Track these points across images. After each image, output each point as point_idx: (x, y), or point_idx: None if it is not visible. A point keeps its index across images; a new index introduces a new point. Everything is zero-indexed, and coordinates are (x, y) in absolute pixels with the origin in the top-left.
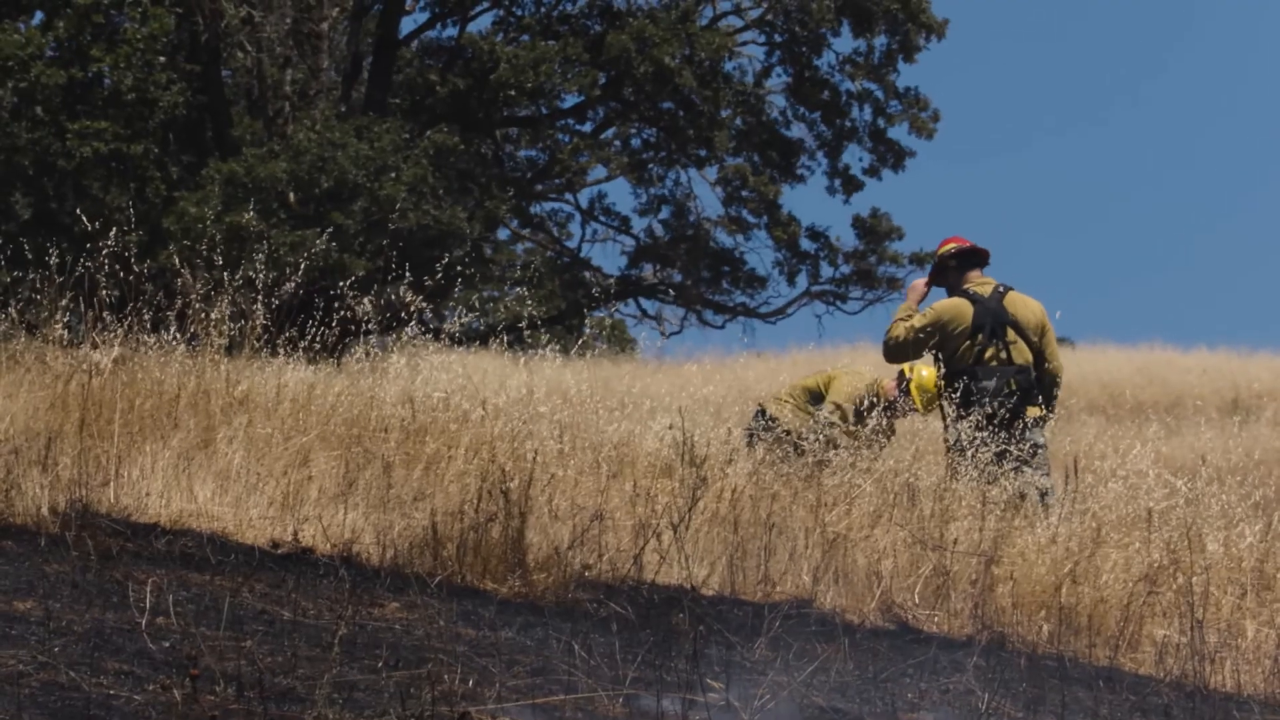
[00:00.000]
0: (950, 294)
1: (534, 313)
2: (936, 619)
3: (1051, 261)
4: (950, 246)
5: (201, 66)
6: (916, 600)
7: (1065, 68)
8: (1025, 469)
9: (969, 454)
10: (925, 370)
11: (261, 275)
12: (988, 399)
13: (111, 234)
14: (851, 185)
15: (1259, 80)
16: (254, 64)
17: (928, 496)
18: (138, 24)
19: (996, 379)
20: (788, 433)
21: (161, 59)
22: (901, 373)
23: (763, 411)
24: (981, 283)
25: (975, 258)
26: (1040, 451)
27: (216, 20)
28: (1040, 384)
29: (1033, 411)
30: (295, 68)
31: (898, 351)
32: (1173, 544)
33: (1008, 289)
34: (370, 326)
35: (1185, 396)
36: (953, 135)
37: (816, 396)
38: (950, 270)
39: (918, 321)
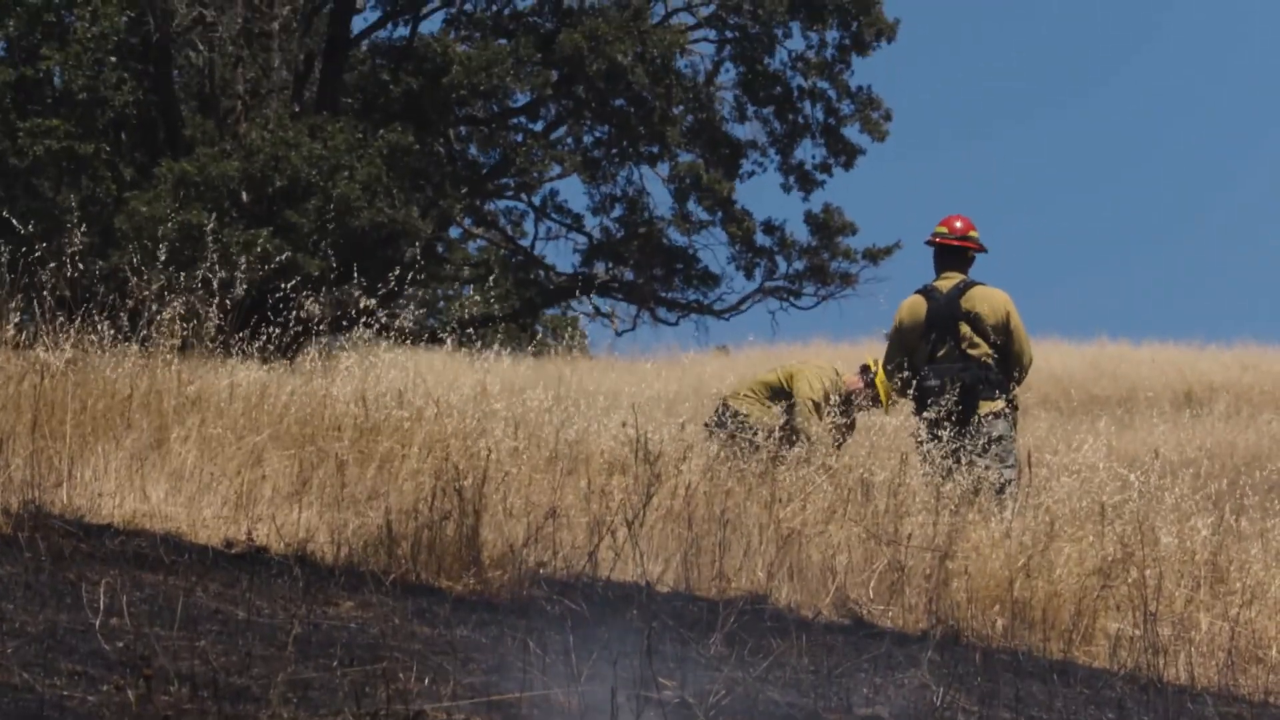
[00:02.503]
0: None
1: (487, 311)
2: (891, 614)
3: (1000, 258)
4: (940, 231)
5: (153, 66)
6: (871, 595)
7: (1015, 68)
8: (978, 462)
9: (922, 452)
10: None
11: (214, 275)
12: (934, 397)
13: (66, 234)
14: (808, 182)
15: (1219, 77)
16: (205, 63)
17: (882, 492)
18: (88, 23)
19: (939, 378)
20: (755, 430)
21: (113, 58)
22: (866, 366)
23: (725, 406)
24: (946, 278)
25: (953, 254)
26: (999, 444)
27: (168, 20)
28: (1002, 377)
29: (986, 406)
30: (247, 67)
31: (891, 386)
32: (1126, 537)
33: (970, 284)
34: (322, 326)
35: (1138, 390)
36: (904, 132)
37: (778, 392)
38: (935, 254)
39: (887, 348)
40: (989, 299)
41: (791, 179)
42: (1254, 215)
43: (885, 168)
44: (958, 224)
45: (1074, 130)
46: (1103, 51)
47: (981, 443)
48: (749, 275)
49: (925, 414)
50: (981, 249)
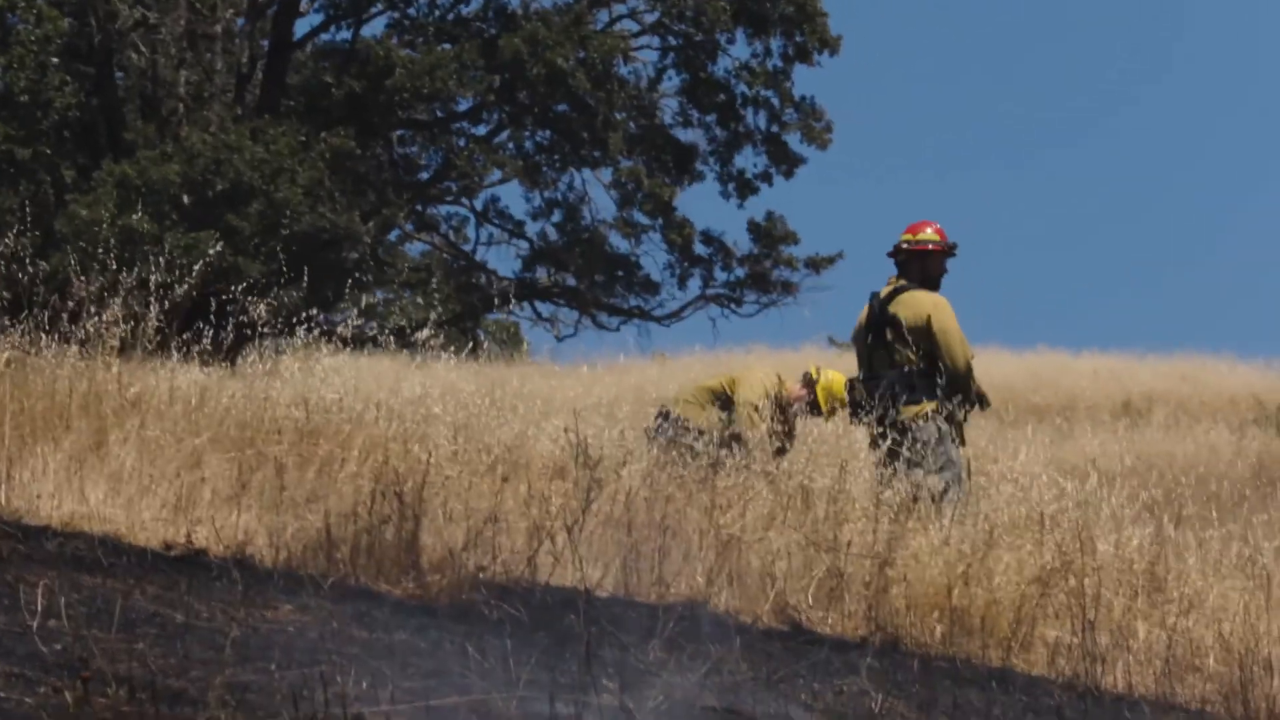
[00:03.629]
0: None
1: (429, 316)
2: (830, 620)
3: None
4: (903, 237)
5: (95, 68)
6: (810, 602)
7: (955, 83)
8: (915, 469)
9: (863, 457)
10: (833, 373)
11: (155, 277)
12: (863, 403)
13: (5, 237)
14: (746, 189)
15: (1160, 82)
16: (148, 65)
17: (821, 498)
18: (31, 25)
19: (867, 383)
20: (700, 432)
21: (55, 60)
22: (808, 374)
23: (665, 414)
24: (890, 282)
25: (896, 258)
26: (934, 452)
27: (110, 21)
28: (925, 380)
29: (910, 410)
30: (189, 69)
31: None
32: (1064, 546)
33: (904, 289)
34: (264, 330)
35: (1078, 400)
36: (847, 146)
37: (720, 397)
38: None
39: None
40: (912, 302)
41: (730, 186)
42: (1193, 226)
43: (828, 181)
44: (926, 229)
45: (1013, 140)
46: (1038, 60)
47: (918, 449)
48: (682, 285)
49: (861, 419)
50: (906, 250)
